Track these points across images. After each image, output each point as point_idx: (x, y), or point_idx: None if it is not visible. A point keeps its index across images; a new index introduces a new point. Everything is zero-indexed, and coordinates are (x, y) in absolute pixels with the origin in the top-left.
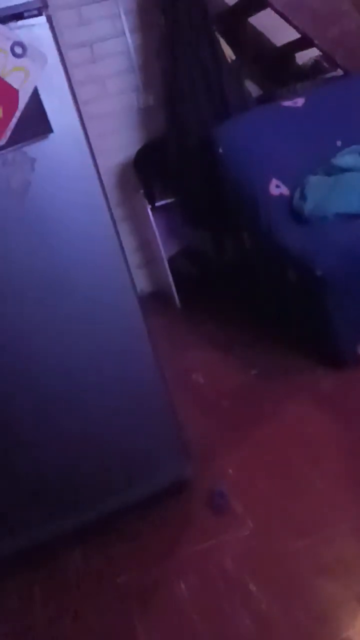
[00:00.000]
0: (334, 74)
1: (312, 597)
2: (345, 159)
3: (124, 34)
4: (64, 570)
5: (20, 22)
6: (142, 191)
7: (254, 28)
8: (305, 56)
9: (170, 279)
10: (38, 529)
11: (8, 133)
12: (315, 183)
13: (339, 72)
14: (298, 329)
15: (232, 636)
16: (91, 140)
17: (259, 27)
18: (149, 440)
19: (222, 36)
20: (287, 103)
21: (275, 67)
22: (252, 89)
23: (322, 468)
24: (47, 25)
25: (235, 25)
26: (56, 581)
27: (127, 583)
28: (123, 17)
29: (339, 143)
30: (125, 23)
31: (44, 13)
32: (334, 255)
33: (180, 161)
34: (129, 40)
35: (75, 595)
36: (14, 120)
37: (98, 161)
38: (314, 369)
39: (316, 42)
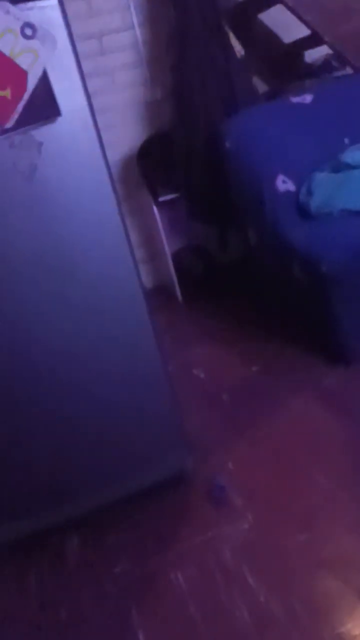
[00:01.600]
0: (343, 72)
1: (311, 591)
2: (353, 155)
3: (133, 27)
4: (60, 558)
5: (31, 4)
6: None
7: (263, 24)
8: (314, 54)
9: (174, 274)
10: (36, 516)
11: (16, 115)
12: (322, 179)
13: (349, 70)
14: (302, 325)
15: (230, 628)
16: None
17: (269, 24)
18: (150, 431)
19: (231, 31)
20: (295, 99)
21: (284, 64)
22: (260, 85)
23: (323, 463)
24: (58, 8)
25: (245, 20)
26: (52, 569)
27: (124, 573)
28: (133, 10)
29: (346, 140)
30: (134, 16)
31: None
32: (340, 252)
33: (187, 155)
34: (138, 34)
35: (70, 583)
36: (22, 102)
37: None
38: (317, 365)
39: (327, 39)
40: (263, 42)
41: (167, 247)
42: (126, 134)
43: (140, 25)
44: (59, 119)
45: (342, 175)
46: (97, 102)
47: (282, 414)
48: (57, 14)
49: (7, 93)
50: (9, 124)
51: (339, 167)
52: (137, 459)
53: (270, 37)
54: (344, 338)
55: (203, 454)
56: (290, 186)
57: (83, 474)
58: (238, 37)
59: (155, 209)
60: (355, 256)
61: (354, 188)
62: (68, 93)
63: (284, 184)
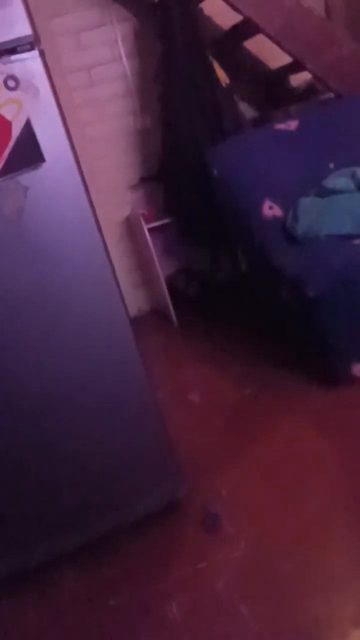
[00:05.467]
0: (328, 95)
1: (302, 618)
2: (336, 181)
3: (121, 59)
4: (56, 590)
5: (13, 57)
6: (139, 212)
7: (248, 52)
8: (300, 78)
9: (168, 297)
10: (32, 549)
11: (2, 163)
12: (308, 205)
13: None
14: (294, 346)
15: None
16: (90, 162)
17: (255, 50)
18: (140, 462)
19: (217, 60)
20: (280, 126)
21: (270, 89)
22: (248, 110)
23: (314, 487)
24: (39, 59)
25: (230, 49)
26: (48, 601)
27: (119, 604)
28: (120, 42)
29: (331, 165)
30: (122, 48)
31: (36, 47)
32: (326, 276)
33: (176, 181)
34: (126, 65)
35: (67, 616)
36: (7, 150)
37: (96, 182)
38: (309, 388)
39: (309, 67)
40: (249, 69)
41: (161, 270)
42: (118, 162)
43: (128, 57)
44: (44, 165)
45: (327, 201)
46: (89, 131)
47: (275, 438)
48: (38, 66)
49: None
50: None
51: (324, 193)
52: (128, 490)
53: (257, 63)
54: (334, 359)
55: (196, 481)
56: (277, 211)
57: (76, 506)
58: (224, 66)
59: (147, 233)
60: (340, 281)
61: (338, 213)
62: (51, 140)
63: (270, 209)
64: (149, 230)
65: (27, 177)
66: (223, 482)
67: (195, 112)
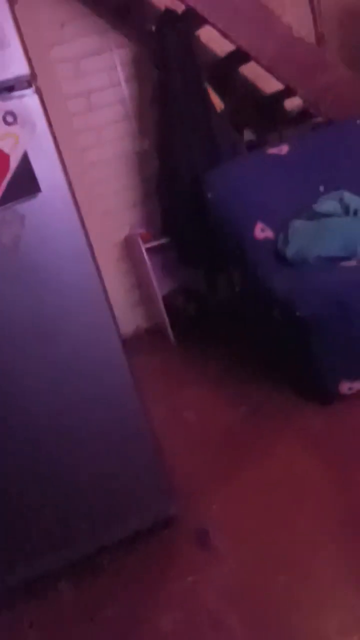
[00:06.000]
0: (320, 119)
1: (288, 632)
2: (325, 205)
3: (120, 84)
4: (50, 605)
5: (11, 94)
6: (138, 232)
7: (244, 77)
8: (294, 103)
9: (165, 315)
10: (27, 565)
11: (0, 194)
12: (298, 227)
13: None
14: (286, 366)
15: None
16: (89, 184)
17: (250, 76)
18: (133, 481)
19: (212, 86)
20: (272, 150)
21: (265, 113)
22: (243, 134)
23: (304, 507)
24: (36, 96)
25: (225, 75)
26: (43, 615)
27: (112, 617)
28: (119, 68)
29: (321, 188)
30: (121, 74)
31: (33, 85)
32: (315, 297)
33: (173, 204)
34: (125, 90)
35: (61, 629)
36: (5, 181)
37: (95, 205)
38: (302, 407)
39: (301, 93)
40: (244, 94)
41: (158, 289)
42: (117, 184)
43: (126, 82)
44: (40, 194)
45: (316, 224)
46: (88, 155)
47: (268, 457)
48: (35, 102)
49: None
50: None
51: (314, 216)
52: (121, 508)
53: (252, 88)
54: (323, 380)
55: (190, 498)
56: (268, 234)
57: (70, 523)
58: (218, 91)
59: (145, 253)
60: (329, 301)
61: (327, 236)
62: (47, 171)
63: (262, 232)
64: (147, 249)
65: (24, 207)
66: (215, 500)
67: (190, 136)
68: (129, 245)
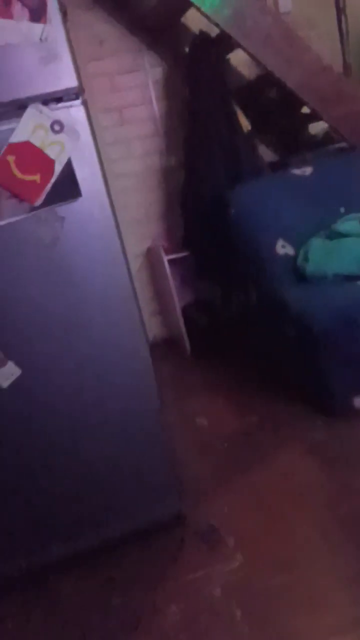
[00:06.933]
0: (343, 144)
1: (287, 630)
2: (345, 225)
3: (152, 101)
4: (56, 597)
5: (60, 104)
6: (160, 244)
7: (272, 100)
8: (319, 126)
9: (182, 327)
10: (37, 554)
11: (44, 196)
12: (317, 246)
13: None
14: (297, 379)
15: None
16: (116, 195)
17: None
18: (146, 479)
19: (240, 107)
20: (296, 171)
21: (291, 135)
22: (268, 154)
23: (306, 513)
24: (82, 107)
25: (255, 97)
26: (51, 604)
27: (119, 606)
28: (151, 86)
29: (342, 210)
30: (152, 92)
31: (80, 97)
32: (330, 314)
33: (195, 218)
34: (155, 108)
35: (67, 615)
36: (49, 185)
37: (121, 214)
38: (311, 419)
39: (324, 118)
40: (273, 116)
41: (177, 301)
42: (142, 197)
43: (158, 100)
44: (80, 199)
45: (336, 243)
46: (117, 167)
47: (274, 463)
48: (81, 113)
49: (37, 178)
50: (38, 203)
51: (333, 235)
52: (134, 503)
53: (279, 111)
54: (334, 395)
55: (199, 497)
56: (289, 250)
57: (82, 514)
58: (247, 113)
59: (167, 265)
60: (343, 318)
61: (345, 254)
62: (88, 178)
63: (283, 248)
64: (169, 261)
65: (65, 209)
66: (224, 501)
67: (216, 155)
68: (150, 256)
